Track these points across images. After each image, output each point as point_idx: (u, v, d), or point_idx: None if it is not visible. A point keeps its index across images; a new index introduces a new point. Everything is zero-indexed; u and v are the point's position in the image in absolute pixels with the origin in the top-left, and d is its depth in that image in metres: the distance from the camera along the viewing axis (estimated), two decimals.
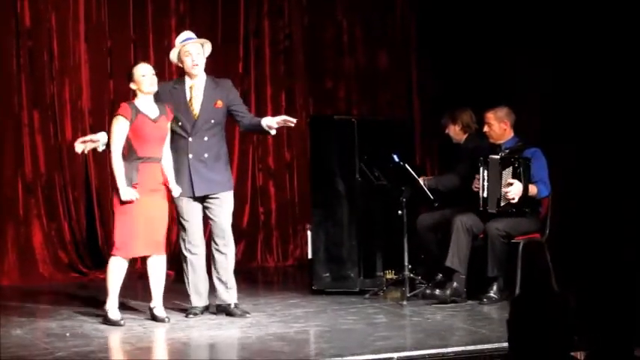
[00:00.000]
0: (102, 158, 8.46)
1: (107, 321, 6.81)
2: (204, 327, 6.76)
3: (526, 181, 7.35)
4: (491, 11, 9.30)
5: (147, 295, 7.05)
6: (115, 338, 6.52)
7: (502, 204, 7.38)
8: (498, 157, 7.44)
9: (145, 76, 6.82)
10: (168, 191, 6.93)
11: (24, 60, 9.11)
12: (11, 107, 9.07)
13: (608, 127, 8.42)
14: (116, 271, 6.78)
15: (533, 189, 7.40)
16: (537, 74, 8.93)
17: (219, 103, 7.02)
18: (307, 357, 5.95)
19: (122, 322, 6.78)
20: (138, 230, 6.73)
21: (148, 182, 6.75)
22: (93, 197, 9.32)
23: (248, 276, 9.30)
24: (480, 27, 9.44)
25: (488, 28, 9.34)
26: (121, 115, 6.77)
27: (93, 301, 7.52)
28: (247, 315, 7.00)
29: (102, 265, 8.96)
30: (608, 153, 8.39)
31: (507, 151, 7.50)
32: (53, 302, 7.92)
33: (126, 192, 6.67)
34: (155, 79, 6.86)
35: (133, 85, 6.86)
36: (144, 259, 7.09)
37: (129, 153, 6.77)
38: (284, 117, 7.06)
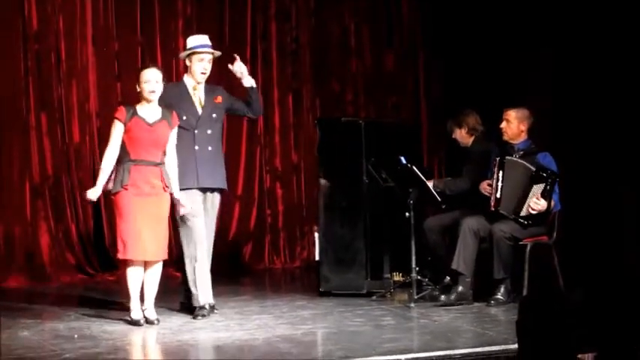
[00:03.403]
0: None
1: (130, 321, 6.86)
2: (211, 329, 6.75)
3: (549, 199, 7.35)
4: (498, 13, 9.29)
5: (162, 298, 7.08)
6: (122, 340, 6.52)
7: (522, 214, 7.36)
8: (530, 165, 7.36)
9: (146, 82, 6.84)
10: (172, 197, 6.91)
11: (31, 63, 9.13)
12: (19, 110, 9.09)
13: (612, 131, 8.40)
14: (131, 275, 6.86)
15: (552, 204, 7.41)
16: (544, 76, 8.92)
17: (219, 98, 7.24)
18: (314, 359, 5.94)
19: (141, 322, 6.83)
20: (136, 232, 6.72)
21: (141, 185, 6.75)
22: (100, 199, 9.28)
23: (255, 278, 9.32)
24: (486, 29, 9.44)
25: (494, 30, 9.33)
26: (116, 118, 6.84)
27: (100, 303, 7.53)
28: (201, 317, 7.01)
29: (109, 266, 9.01)
30: (613, 156, 8.38)
31: (522, 152, 7.50)
32: (60, 304, 7.91)
33: (92, 191, 6.78)
34: (158, 87, 6.84)
35: (138, 88, 6.88)
36: None
37: (122, 155, 6.80)
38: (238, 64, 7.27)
